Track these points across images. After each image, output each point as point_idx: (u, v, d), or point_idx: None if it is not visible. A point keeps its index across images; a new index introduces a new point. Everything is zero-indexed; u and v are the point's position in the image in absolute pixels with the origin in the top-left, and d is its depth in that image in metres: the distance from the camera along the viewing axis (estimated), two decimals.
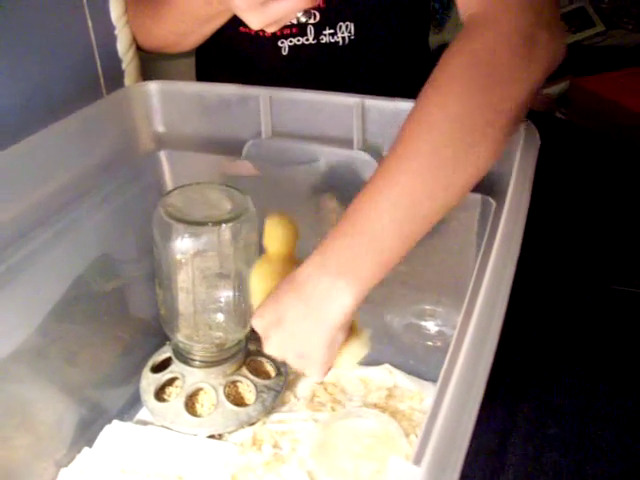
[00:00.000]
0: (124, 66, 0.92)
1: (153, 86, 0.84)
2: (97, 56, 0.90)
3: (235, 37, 0.95)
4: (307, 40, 0.92)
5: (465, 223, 0.73)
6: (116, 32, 0.91)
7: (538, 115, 1.27)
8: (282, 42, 0.93)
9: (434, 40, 1.60)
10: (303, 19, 0.77)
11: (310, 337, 0.59)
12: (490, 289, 0.50)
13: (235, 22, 0.87)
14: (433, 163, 0.55)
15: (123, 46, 0.92)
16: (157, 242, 0.76)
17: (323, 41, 0.93)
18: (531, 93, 0.57)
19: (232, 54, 0.99)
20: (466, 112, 0.55)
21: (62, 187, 0.75)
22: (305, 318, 0.58)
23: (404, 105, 0.71)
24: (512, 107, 0.56)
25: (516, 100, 0.56)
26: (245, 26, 0.81)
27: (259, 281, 0.70)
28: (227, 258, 0.76)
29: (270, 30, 0.75)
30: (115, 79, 0.92)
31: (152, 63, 1.03)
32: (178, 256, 0.75)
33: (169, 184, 0.88)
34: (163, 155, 0.86)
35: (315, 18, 0.91)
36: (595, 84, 1.64)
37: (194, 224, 0.72)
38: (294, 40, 0.93)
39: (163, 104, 0.84)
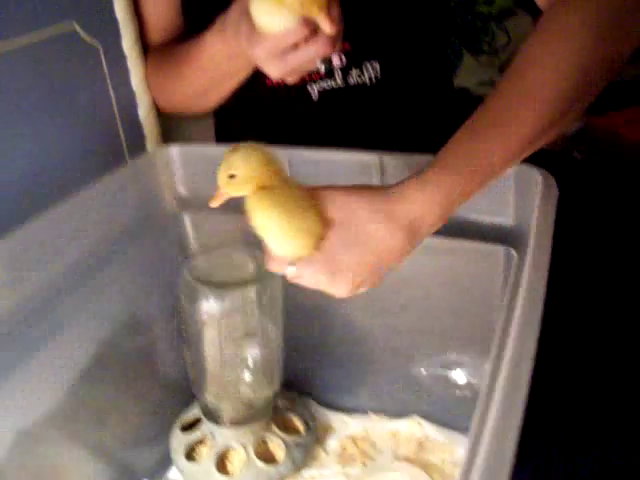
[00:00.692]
0: (145, 131, 0.95)
1: (174, 150, 0.86)
2: (119, 122, 0.92)
3: (262, 91, 0.96)
4: (336, 83, 0.94)
5: (488, 274, 0.74)
6: (137, 98, 0.93)
7: (554, 155, 1.28)
8: (312, 87, 0.94)
9: None
10: (322, 67, 0.78)
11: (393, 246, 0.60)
12: (518, 340, 0.50)
13: (261, 77, 0.88)
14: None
15: (144, 111, 0.94)
16: (183, 304, 0.77)
17: (351, 83, 0.94)
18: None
19: (257, 109, 1.00)
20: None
21: (89, 252, 0.77)
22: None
23: (422, 161, 0.72)
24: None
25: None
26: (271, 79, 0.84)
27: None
28: (253, 317, 0.77)
29: (290, 80, 0.77)
30: (137, 143, 0.95)
31: (172, 125, 1.06)
32: (204, 318, 0.76)
33: (193, 244, 0.89)
34: (186, 216, 0.88)
35: (342, 62, 0.92)
36: (611, 122, 1.64)
37: (219, 287, 0.73)
38: (323, 84, 0.94)
39: (185, 167, 0.86)
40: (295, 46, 0.71)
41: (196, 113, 1.02)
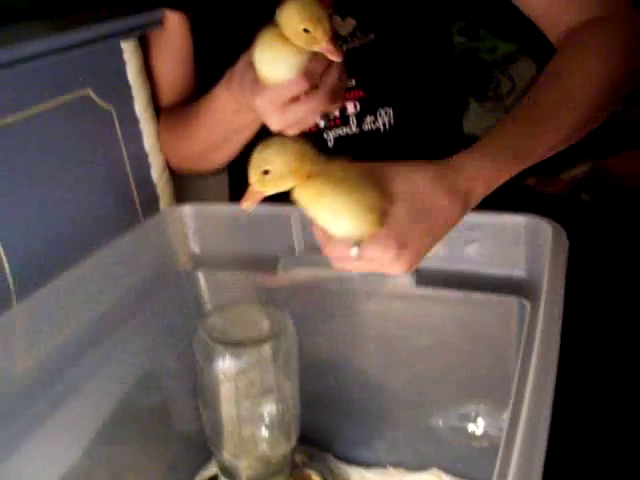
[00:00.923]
0: (158, 190, 0.97)
1: (187, 209, 0.87)
2: (133, 183, 0.94)
3: None
4: (351, 130, 0.95)
5: (503, 325, 0.74)
6: (150, 159, 0.95)
7: (564, 199, 1.28)
8: (327, 134, 0.96)
9: None
10: (322, 123, 0.79)
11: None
12: (535, 390, 0.51)
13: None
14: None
15: (157, 172, 0.96)
16: (199, 362, 0.77)
17: (365, 129, 0.96)
18: None
19: None
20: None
21: (105, 312, 0.78)
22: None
23: None
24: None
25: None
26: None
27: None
28: (268, 374, 0.77)
29: (290, 132, 0.77)
30: (151, 203, 0.96)
31: (185, 183, 1.07)
32: (220, 376, 0.76)
33: (207, 301, 0.90)
34: (200, 274, 0.89)
35: (356, 109, 0.94)
36: (619, 165, 1.65)
37: (235, 345, 0.74)
38: (339, 131, 0.95)
39: (198, 226, 0.88)
40: (296, 99, 0.73)
41: (207, 171, 1.04)
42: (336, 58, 0.71)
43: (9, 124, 0.78)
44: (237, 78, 0.82)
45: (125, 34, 0.88)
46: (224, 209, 0.88)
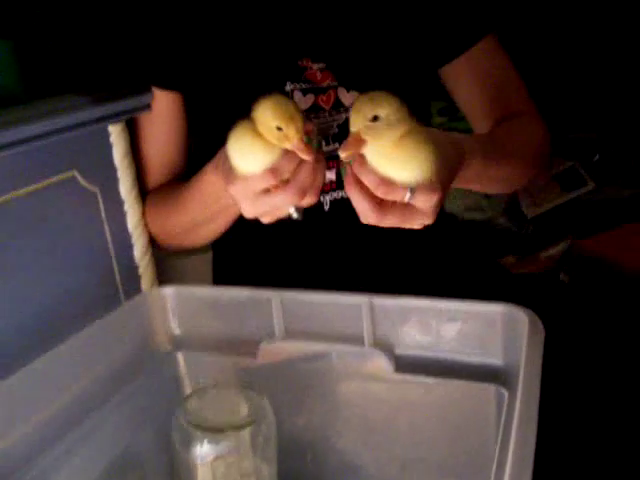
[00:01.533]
0: (140, 271, 0.97)
1: (168, 291, 0.88)
2: (115, 263, 0.95)
3: None
4: (345, 193, 0.97)
5: (481, 411, 0.74)
6: (133, 240, 0.96)
7: (541, 278, 1.30)
8: (323, 197, 0.98)
9: None
10: (295, 215, 0.80)
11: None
12: (513, 476, 0.51)
13: None
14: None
15: (139, 252, 0.97)
16: (176, 446, 0.76)
17: None
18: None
19: (262, 232, 1.02)
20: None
21: (84, 392, 0.78)
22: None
23: (410, 303, 0.75)
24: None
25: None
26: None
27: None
28: (247, 460, 0.76)
29: (263, 220, 0.80)
30: (132, 283, 0.97)
31: (168, 263, 1.08)
32: (198, 461, 0.75)
33: (186, 383, 0.90)
34: (180, 356, 0.89)
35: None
36: (595, 245, 1.68)
37: (213, 430, 0.73)
38: (334, 194, 0.98)
39: (179, 307, 0.88)
40: (267, 191, 0.75)
41: (193, 247, 1.05)
42: (306, 157, 0.73)
43: None
44: (218, 165, 0.86)
45: (113, 118, 0.90)
46: (205, 291, 0.89)
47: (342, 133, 0.96)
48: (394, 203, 0.71)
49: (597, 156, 2.81)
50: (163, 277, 1.04)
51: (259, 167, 0.73)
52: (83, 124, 0.86)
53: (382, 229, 0.99)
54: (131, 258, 0.97)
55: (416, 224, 0.74)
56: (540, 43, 2.72)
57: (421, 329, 0.71)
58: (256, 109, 0.73)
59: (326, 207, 0.99)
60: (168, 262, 1.09)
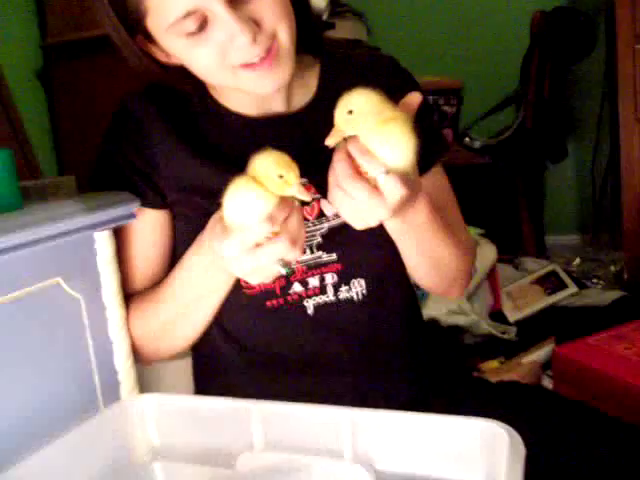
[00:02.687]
0: (120, 377, 0.96)
1: (148, 399, 0.87)
2: (95, 369, 0.94)
3: (258, 320, 1.01)
4: (328, 298, 1.01)
5: None
6: (114, 346, 0.96)
7: (526, 388, 1.30)
8: (307, 302, 1.00)
9: None
10: (283, 271, 0.84)
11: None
12: None
13: (260, 299, 0.98)
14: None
15: (120, 358, 0.96)
16: None
17: (341, 297, 1.01)
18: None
19: (244, 336, 1.03)
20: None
21: None
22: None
23: (392, 417, 0.74)
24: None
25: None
26: (270, 299, 0.98)
27: None
28: None
29: (253, 281, 0.86)
30: (112, 390, 0.96)
31: (150, 373, 1.07)
32: None
33: None
34: (158, 467, 0.87)
35: (334, 279, 1.00)
36: (576, 352, 1.69)
37: None
38: (317, 299, 1.00)
39: (158, 417, 0.87)
40: (259, 245, 0.81)
41: (171, 351, 1.04)
42: (307, 198, 0.82)
43: None
44: (207, 232, 0.90)
45: (99, 227, 0.91)
46: (185, 400, 0.88)
47: (326, 242, 0.99)
48: (367, 180, 0.79)
49: (578, 259, 2.86)
50: (144, 385, 1.02)
51: (256, 217, 0.80)
52: (69, 232, 0.87)
53: (365, 337, 1.01)
54: (111, 365, 0.96)
55: (373, 214, 0.82)
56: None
57: (402, 444, 0.70)
58: (254, 162, 0.81)
59: (310, 311, 1.00)
60: (148, 370, 1.08)
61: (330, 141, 0.80)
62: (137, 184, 0.98)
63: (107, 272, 0.94)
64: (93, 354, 0.93)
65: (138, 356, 1.02)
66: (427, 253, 1.01)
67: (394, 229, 0.95)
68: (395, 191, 0.79)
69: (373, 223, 0.85)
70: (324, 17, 2.72)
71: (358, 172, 0.80)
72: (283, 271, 0.84)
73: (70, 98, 2.18)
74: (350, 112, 0.78)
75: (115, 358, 0.96)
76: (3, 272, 0.81)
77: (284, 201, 0.82)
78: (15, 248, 0.80)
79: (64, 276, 0.89)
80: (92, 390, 0.94)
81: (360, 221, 0.85)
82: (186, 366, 1.12)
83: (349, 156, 0.80)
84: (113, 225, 0.93)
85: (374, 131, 0.78)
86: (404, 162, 0.79)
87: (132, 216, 0.95)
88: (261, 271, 0.85)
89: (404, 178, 0.80)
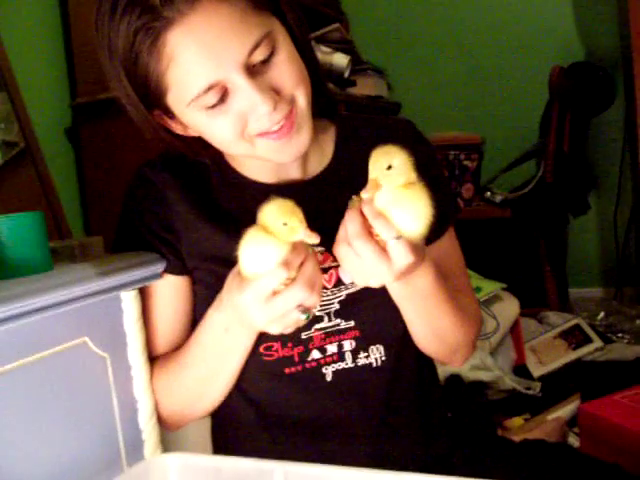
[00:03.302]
0: (144, 436, 0.97)
1: (172, 459, 0.87)
2: (119, 428, 0.95)
3: (277, 386, 1.01)
4: (346, 364, 1.01)
5: None
6: (138, 405, 0.97)
7: (551, 447, 1.29)
8: (326, 369, 1.00)
9: None
10: (303, 317, 0.86)
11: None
12: None
13: (279, 366, 0.98)
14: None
15: (144, 417, 0.97)
16: None
17: (360, 363, 1.01)
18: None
19: (265, 403, 1.03)
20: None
21: None
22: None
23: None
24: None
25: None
26: (289, 366, 0.98)
27: None
28: None
29: (274, 331, 0.86)
30: (135, 448, 0.96)
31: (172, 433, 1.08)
32: None
33: None
34: None
35: (352, 346, 1.01)
36: (603, 409, 1.66)
37: None
38: (336, 366, 1.00)
39: (182, 476, 0.87)
40: (276, 293, 0.83)
41: (200, 413, 1.05)
42: (314, 240, 0.83)
43: (6, 371, 0.80)
44: (226, 288, 0.91)
45: (125, 287, 0.93)
46: (209, 460, 0.88)
47: (343, 309, 1.00)
48: (377, 241, 0.81)
49: (602, 313, 2.83)
50: (167, 444, 1.03)
51: (270, 264, 0.82)
52: (97, 293, 0.89)
53: (382, 400, 1.01)
54: (135, 423, 0.97)
55: (377, 275, 0.84)
56: None
57: None
58: (261, 212, 0.83)
59: (328, 378, 1.00)
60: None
61: (367, 194, 0.81)
62: (159, 250, 1.00)
63: (133, 331, 0.96)
64: (118, 413, 0.94)
65: (165, 424, 1.03)
66: (429, 320, 1.00)
67: (397, 293, 0.95)
68: (403, 257, 0.81)
69: (375, 284, 0.86)
70: (346, 75, 2.78)
71: (369, 232, 0.82)
72: (303, 317, 0.85)
73: (98, 157, 2.23)
74: (389, 167, 0.80)
75: (140, 417, 0.97)
76: (32, 332, 0.83)
77: (298, 247, 0.84)
78: (45, 309, 0.82)
79: (91, 335, 0.91)
80: (116, 449, 0.95)
81: (362, 280, 0.86)
82: (208, 425, 1.12)
83: (362, 215, 0.82)
84: (139, 285, 0.95)
85: (397, 194, 0.80)
86: (418, 230, 0.81)
87: (158, 276, 0.97)
88: (281, 319, 0.85)
89: (413, 245, 0.82)
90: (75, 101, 2.27)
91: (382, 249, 0.81)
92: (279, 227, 0.82)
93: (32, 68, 2.15)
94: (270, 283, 0.82)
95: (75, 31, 2.24)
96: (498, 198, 2.85)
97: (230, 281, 0.90)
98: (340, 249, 0.84)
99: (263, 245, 0.82)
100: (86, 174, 2.30)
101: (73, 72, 2.28)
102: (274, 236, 0.82)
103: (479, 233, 2.87)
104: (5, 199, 1.85)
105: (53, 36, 2.26)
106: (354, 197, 0.84)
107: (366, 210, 0.81)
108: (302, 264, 0.84)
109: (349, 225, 0.82)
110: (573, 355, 2.41)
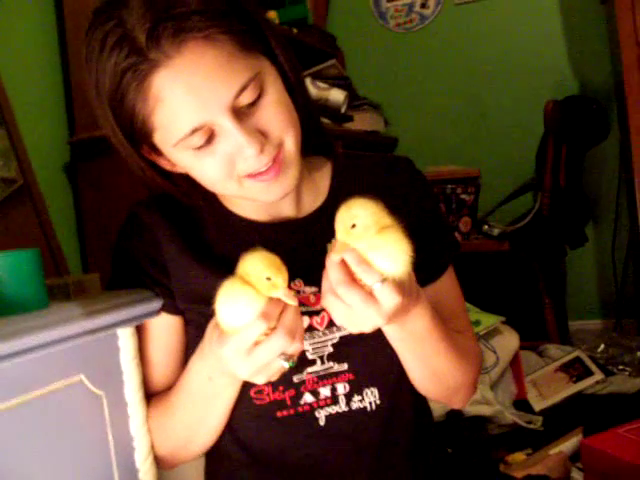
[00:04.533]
0: (141, 475, 0.96)
1: None
2: (115, 467, 0.93)
3: (269, 430, 0.99)
4: (340, 408, 0.99)
5: None
6: (134, 443, 0.95)
7: None
8: (319, 412, 0.98)
9: None
10: (286, 365, 0.84)
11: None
12: None
13: (271, 410, 0.97)
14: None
15: (141, 456, 0.96)
16: None
17: (354, 407, 0.99)
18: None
19: (257, 449, 1.02)
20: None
21: None
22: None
23: None
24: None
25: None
26: (281, 409, 0.96)
27: None
28: None
29: (258, 381, 0.85)
30: None
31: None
32: None
33: None
34: None
35: (345, 389, 0.99)
36: (606, 443, 1.64)
37: None
38: (329, 409, 0.99)
39: None
40: (258, 344, 0.81)
41: (193, 455, 1.04)
42: (293, 303, 0.82)
43: (1, 410, 0.79)
44: (206, 339, 0.90)
45: (122, 324, 0.92)
46: None
47: (337, 352, 0.99)
48: (362, 286, 0.80)
49: (602, 345, 2.81)
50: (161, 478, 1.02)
51: (250, 316, 0.80)
52: (93, 330, 0.88)
53: (376, 444, 1.00)
54: (132, 462, 0.95)
55: (368, 320, 0.82)
56: None
57: None
58: (244, 262, 0.82)
59: (322, 423, 0.99)
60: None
61: (336, 256, 0.80)
62: (152, 290, 0.99)
63: (129, 368, 0.95)
64: (114, 451, 0.93)
65: (160, 463, 1.02)
66: (426, 362, 0.99)
67: (392, 335, 0.94)
68: (390, 299, 0.80)
69: (367, 329, 0.84)
70: (342, 110, 2.80)
71: (352, 278, 0.80)
72: (286, 365, 0.84)
73: (96, 193, 2.24)
74: (353, 226, 0.79)
75: (136, 455, 0.96)
76: (27, 370, 0.83)
77: (276, 298, 0.82)
78: (40, 347, 0.81)
79: (87, 373, 0.90)
80: None
81: (354, 327, 0.84)
82: (204, 463, 1.11)
83: (343, 262, 0.81)
84: (137, 322, 0.94)
85: (371, 241, 0.80)
86: (400, 270, 0.80)
87: (155, 313, 0.97)
88: (264, 369, 0.84)
89: (400, 285, 0.81)
90: (73, 138, 2.28)
91: (369, 293, 0.80)
92: (261, 280, 0.81)
93: (30, 104, 2.16)
94: (250, 336, 0.81)
95: (73, 67, 2.25)
96: (496, 231, 2.85)
97: (210, 332, 0.89)
98: (327, 300, 0.82)
99: (239, 299, 0.81)
100: (84, 210, 2.30)
101: (71, 109, 2.29)
102: (252, 286, 0.81)
103: (477, 266, 2.87)
104: (3, 236, 1.85)
105: (51, 72, 2.27)
106: (333, 240, 0.83)
107: (347, 257, 0.80)
108: (281, 312, 0.83)
109: (331, 274, 0.81)
110: (574, 388, 2.39)
